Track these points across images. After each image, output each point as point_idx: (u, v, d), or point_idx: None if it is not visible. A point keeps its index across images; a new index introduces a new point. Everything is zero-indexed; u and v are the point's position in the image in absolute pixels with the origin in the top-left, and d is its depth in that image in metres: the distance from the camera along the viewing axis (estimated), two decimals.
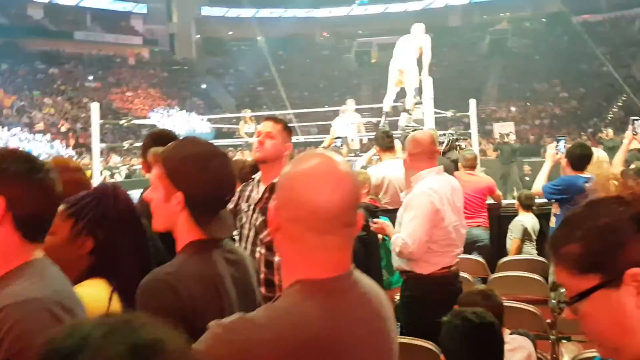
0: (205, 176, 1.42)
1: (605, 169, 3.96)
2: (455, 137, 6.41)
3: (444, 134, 6.34)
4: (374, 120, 9.57)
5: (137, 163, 12.73)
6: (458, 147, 6.45)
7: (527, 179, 11.78)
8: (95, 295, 1.47)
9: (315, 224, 1.02)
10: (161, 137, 2.48)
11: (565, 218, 0.97)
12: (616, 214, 0.88)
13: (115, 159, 14.62)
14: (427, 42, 7.68)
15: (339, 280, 1.05)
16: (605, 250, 0.87)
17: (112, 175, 12.37)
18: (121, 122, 8.61)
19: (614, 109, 27.06)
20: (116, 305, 1.48)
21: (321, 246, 1.03)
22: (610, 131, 12.13)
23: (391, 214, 3.67)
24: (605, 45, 31.90)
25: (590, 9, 34.75)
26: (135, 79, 32.66)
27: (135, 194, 2.43)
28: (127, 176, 13.33)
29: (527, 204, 5.16)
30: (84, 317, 1.26)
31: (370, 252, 3.64)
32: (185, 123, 19.22)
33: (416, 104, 7.60)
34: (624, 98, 27.63)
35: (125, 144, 8.22)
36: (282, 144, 2.73)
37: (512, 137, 14.27)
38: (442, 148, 6.24)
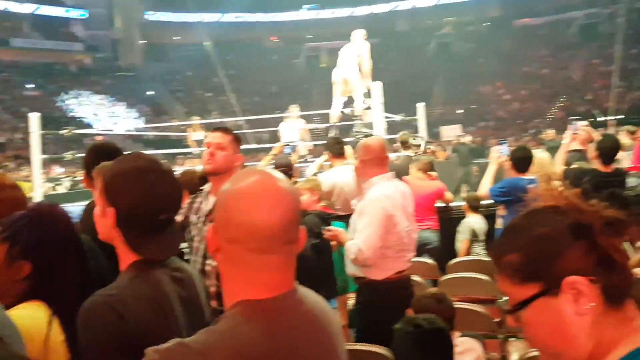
0: (136, 192, 1.35)
1: (546, 170, 4.12)
2: (427, 140, 6.59)
3: (414, 138, 6.49)
4: (323, 126, 9.60)
5: (80, 174, 12.32)
6: (428, 150, 6.62)
7: (474, 180, 12.04)
8: (32, 318, 1.40)
9: (255, 244, 0.99)
10: (103, 150, 2.41)
11: (506, 227, 0.99)
12: (553, 224, 0.91)
13: (58, 170, 14.11)
14: (366, 48, 7.69)
15: (282, 299, 1.02)
16: (543, 260, 0.89)
17: (54, 187, 11.92)
18: (62, 131, 8.20)
19: (555, 110, 28.23)
20: (56, 329, 1.42)
21: (262, 266, 1.00)
22: (551, 132, 12.53)
23: (344, 219, 3.69)
24: (545, 48, 33.30)
25: (530, 13, 36.24)
26: (77, 86, 31.64)
27: (78, 206, 2.34)
28: (72, 187, 12.89)
29: (474, 206, 5.29)
30: (17, 344, 1.20)
31: (323, 259, 3.65)
32: (130, 128, 18.80)
33: (366, 109, 7.65)
34: (564, 99, 28.88)
35: (68, 155, 7.85)
36: (232, 155, 2.69)
37: (468, 137, 14.55)
38: (419, 151, 6.38)
